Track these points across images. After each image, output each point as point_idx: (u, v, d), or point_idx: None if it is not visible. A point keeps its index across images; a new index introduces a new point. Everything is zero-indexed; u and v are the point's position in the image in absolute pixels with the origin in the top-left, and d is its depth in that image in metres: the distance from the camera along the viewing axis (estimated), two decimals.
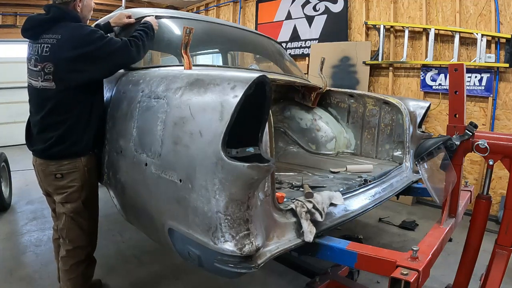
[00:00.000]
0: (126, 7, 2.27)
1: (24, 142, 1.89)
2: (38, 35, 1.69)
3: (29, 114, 1.85)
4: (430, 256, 1.34)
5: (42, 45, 1.66)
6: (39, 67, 1.66)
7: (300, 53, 5.63)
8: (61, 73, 1.65)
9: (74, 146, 1.74)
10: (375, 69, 4.72)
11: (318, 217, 1.52)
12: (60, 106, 1.69)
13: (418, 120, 2.69)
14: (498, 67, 3.70)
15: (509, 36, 3.56)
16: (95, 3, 1.95)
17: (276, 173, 1.65)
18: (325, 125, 3.01)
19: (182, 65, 1.83)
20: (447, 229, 1.65)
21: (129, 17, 2.14)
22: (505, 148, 1.59)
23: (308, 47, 5.45)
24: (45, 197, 2.02)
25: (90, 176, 1.84)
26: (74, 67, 1.65)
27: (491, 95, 3.77)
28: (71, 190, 1.79)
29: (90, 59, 1.66)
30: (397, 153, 2.71)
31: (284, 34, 5.82)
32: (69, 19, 1.70)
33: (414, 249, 1.30)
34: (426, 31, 4.19)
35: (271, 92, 1.21)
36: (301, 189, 1.87)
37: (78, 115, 1.74)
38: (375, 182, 2.16)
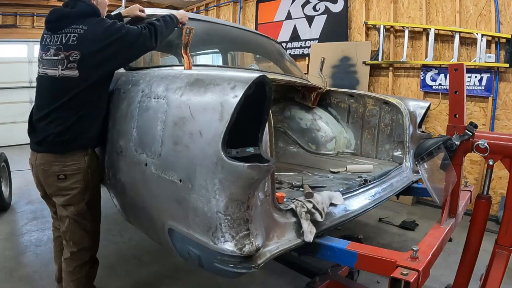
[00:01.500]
0: (126, 7, 2.28)
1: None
2: (61, 27, 1.70)
3: (34, 107, 1.80)
4: (430, 256, 1.34)
5: (68, 34, 1.68)
6: (63, 55, 1.66)
7: (300, 53, 5.62)
8: (87, 62, 1.67)
9: (80, 137, 1.73)
10: (375, 69, 4.72)
11: (318, 217, 1.52)
12: (77, 96, 1.68)
13: (418, 120, 2.69)
14: (498, 67, 3.70)
15: (509, 36, 3.56)
16: None
17: (276, 173, 1.65)
18: (325, 125, 3.01)
19: (182, 65, 1.84)
20: (447, 229, 1.65)
21: (142, 11, 2.15)
22: (505, 148, 1.59)
23: (308, 47, 5.45)
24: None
25: (93, 177, 1.81)
26: (100, 57, 1.67)
27: (491, 95, 3.77)
28: (74, 192, 1.75)
29: (115, 48, 1.69)
30: (397, 153, 2.71)
31: (284, 34, 5.82)
32: (93, 14, 1.75)
33: (414, 249, 1.30)
34: (426, 31, 4.19)
35: (271, 92, 1.21)
36: (301, 189, 1.87)
37: (90, 107, 1.74)
38: (375, 182, 2.16)
